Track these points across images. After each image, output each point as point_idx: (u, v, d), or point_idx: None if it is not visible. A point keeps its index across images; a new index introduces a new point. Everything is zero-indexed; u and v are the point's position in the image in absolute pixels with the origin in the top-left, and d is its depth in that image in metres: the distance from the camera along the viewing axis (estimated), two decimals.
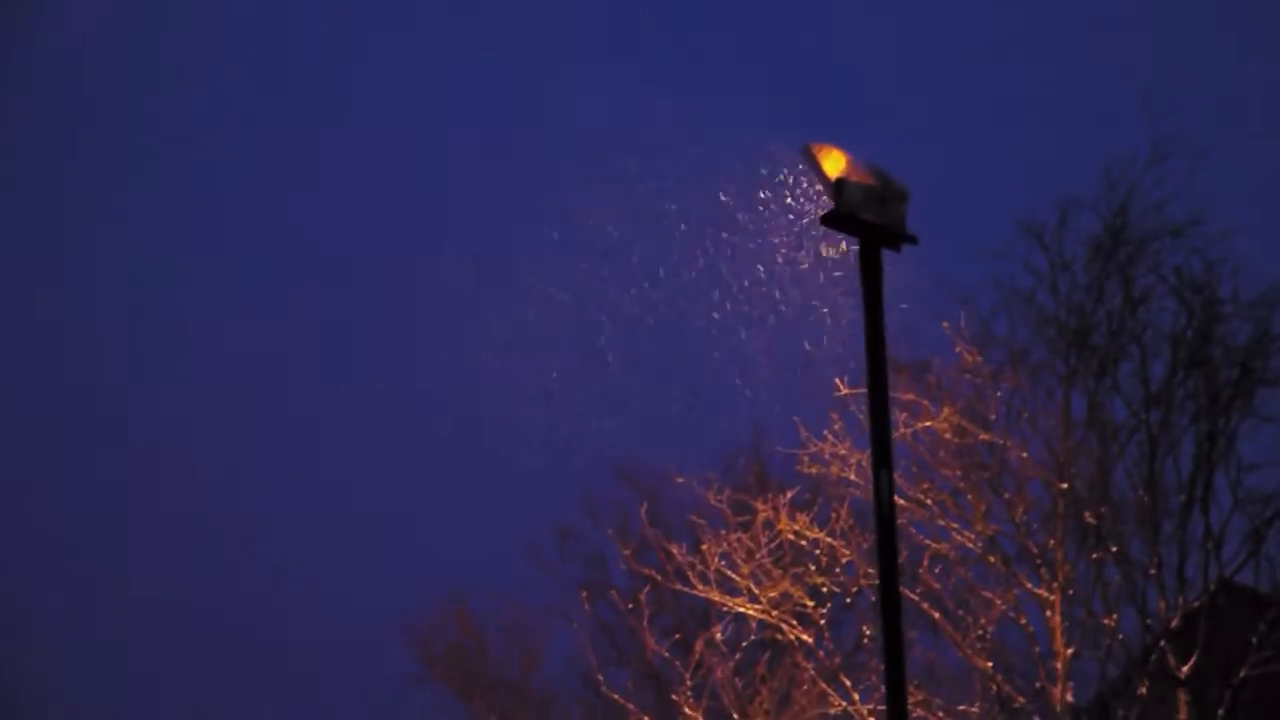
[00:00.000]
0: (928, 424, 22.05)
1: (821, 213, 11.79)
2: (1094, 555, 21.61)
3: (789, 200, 21.06)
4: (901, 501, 21.28)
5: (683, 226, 22.51)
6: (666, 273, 22.94)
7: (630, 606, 25.99)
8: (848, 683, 22.74)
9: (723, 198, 21.85)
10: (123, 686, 46.52)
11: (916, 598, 21.80)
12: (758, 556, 22.56)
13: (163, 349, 61.46)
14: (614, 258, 23.41)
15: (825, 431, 22.42)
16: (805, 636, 22.83)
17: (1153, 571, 21.44)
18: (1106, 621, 21.38)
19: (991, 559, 21.87)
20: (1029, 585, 21.57)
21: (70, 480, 55.26)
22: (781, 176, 20.89)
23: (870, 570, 21.57)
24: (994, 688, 21.88)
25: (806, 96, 59.60)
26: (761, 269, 22.06)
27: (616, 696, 26.55)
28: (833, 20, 68.51)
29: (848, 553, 22.42)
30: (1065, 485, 21.56)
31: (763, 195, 21.27)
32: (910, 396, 22.17)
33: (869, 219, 11.59)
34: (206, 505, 54.25)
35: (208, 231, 66.61)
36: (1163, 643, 21.06)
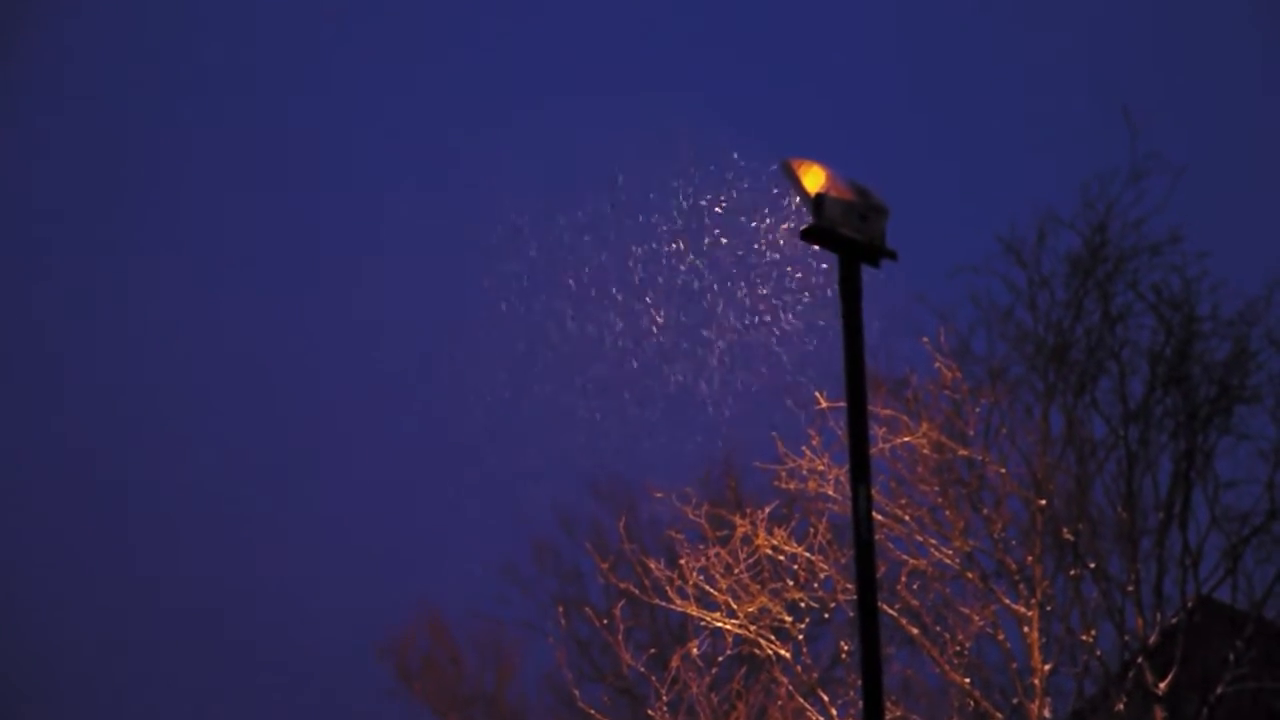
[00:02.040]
0: (906, 440, 22.03)
1: (801, 227, 11.78)
2: (1072, 572, 21.60)
3: (766, 212, 21.05)
4: (880, 517, 21.24)
5: (663, 241, 22.47)
6: (644, 287, 22.90)
7: (606, 622, 25.92)
8: (825, 698, 22.69)
9: (696, 203, 21.82)
10: (97, 698, 46.40)
11: (894, 613, 21.76)
12: (735, 571, 22.50)
13: (138, 366, 61.40)
14: (591, 272, 23.37)
15: (803, 447, 22.41)
16: (783, 651, 22.77)
17: (1130, 588, 21.43)
18: (1084, 638, 21.37)
19: (969, 575, 21.85)
20: (1007, 601, 21.55)
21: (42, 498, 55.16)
22: (749, 187, 20.89)
23: (848, 585, 21.55)
24: (971, 703, 21.85)
25: (783, 112, 59.66)
26: (741, 283, 22.04)
27: (592, 712, 26.44)
28: (813, 39, 68.65)
29: (826, 568, 22.39)
30: (1043, 502, 21.55)
31: (737, 206, 21.25)
32: (889, 412, 22.17)
33: (848, 234, 11.57)
34: (181, 520, 54.10)
35: (193, 238, 66.66)
36: (1140, 659, 21.05)
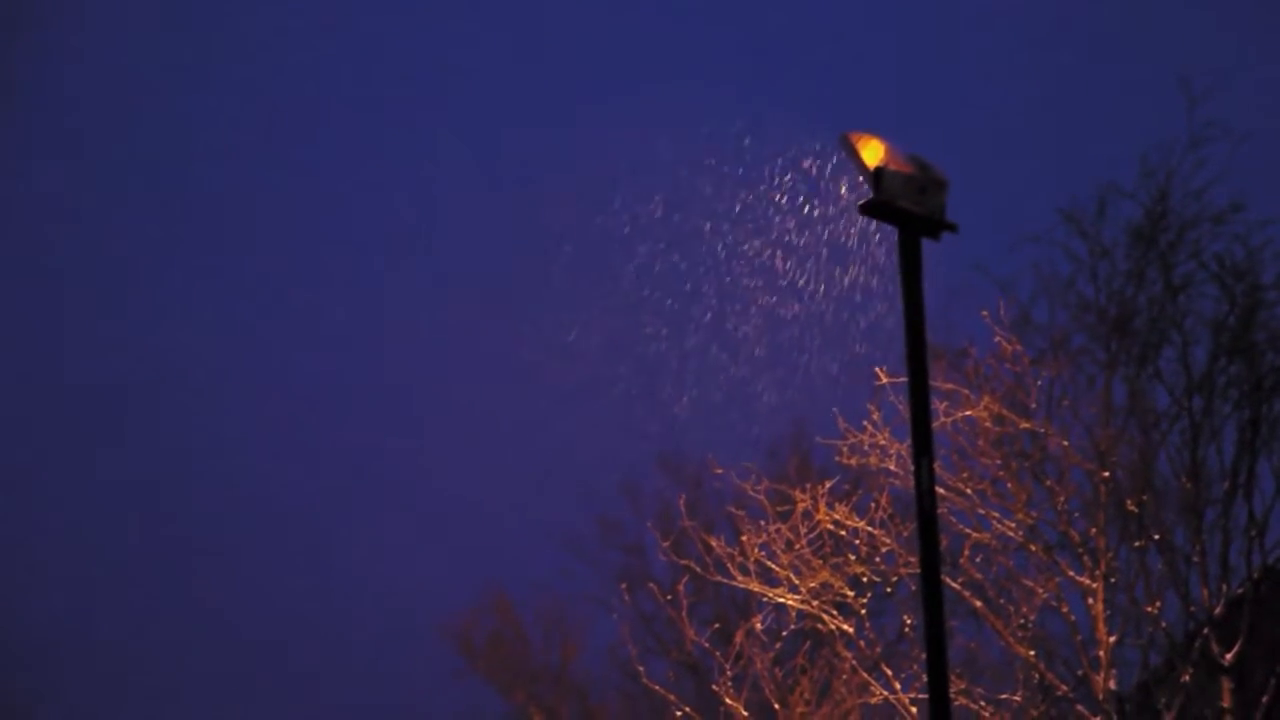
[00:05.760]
0: (967, 413, 21.96)
1: (861, 201, 11.77)
2: (1136, 543, 21.51)
3: (829, 190, 21.00)
4: (942, 490, 21.19)
5: (727, 218, 22.45)
6: (708, 262, 22.89)
7: (669, 597, 25.98)
8: (889, 672, 22.69)
9: (760, 183, 21.78)
10: (155, 681, 46.84)
11: (958, 586, 21.73)
12: (797, 547, 22.52)
13: (178, 341, 61.72)
14: (655, 246, 23.37)
15: (864, 421, 22.37)
16: (846, 626, 22.79)
17: (1195, 559, 21.32)
18: (1149, 609, 21.28)
19: (1033, 547, 21.78)
20: (1071, 573, 21.48)
21: (81, 478, 55.50)
22: (815, 167, 20.83)
23: (911, 559, 21.52)
24: (1036, 676, 21.80)
25: (842, 85, 59.47)
26: (802, 258, 21.99)
27: (656, 687, 26.53)
28: (877, 10, 68.40)
29: (888, 542, 22.37)
30: (1107, 473, 21.46)
31: (801, 185, 21.20)
32: (950, 385, 22.10)
33: (908, 207, 11.56)
34: (242, 503, 54.44)
35: (211, 230, 66.91)
36: (1206, 630, 20.95)
